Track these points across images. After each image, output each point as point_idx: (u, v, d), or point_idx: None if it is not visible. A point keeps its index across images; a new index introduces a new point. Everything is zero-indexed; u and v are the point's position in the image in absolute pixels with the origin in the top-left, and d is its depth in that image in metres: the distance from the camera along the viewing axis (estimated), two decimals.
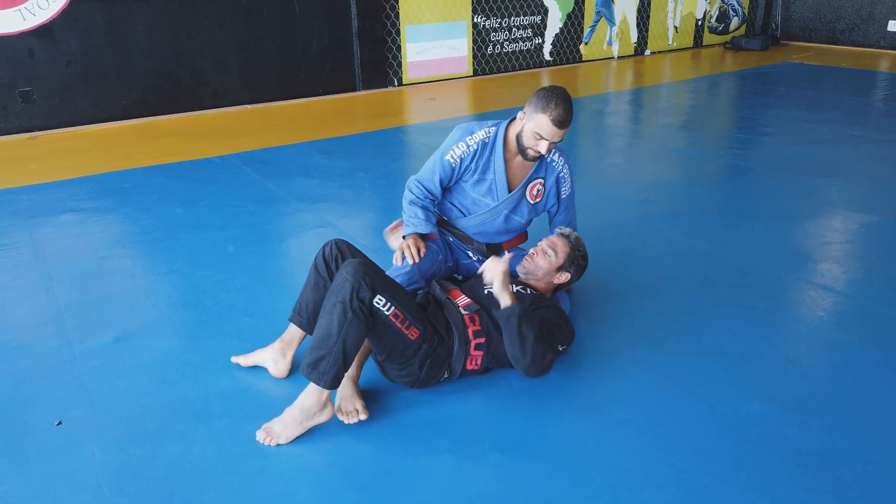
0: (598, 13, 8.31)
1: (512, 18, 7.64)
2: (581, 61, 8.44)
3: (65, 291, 2.89)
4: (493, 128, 2.48)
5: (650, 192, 4.01)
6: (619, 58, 8.76)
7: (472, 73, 7.57)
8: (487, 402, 2.14)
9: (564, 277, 2.39)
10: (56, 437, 1.99)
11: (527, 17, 7.75)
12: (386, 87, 7.04)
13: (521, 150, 2.42)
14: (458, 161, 2.46)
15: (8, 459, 1.90)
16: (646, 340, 2.48)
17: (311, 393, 1.93)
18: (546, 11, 7.88)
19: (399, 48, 6.99)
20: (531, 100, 2.34)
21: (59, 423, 2.05)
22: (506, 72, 7.84)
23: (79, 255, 3.26)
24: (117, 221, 3.67)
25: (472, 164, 2.47)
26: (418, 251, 2.44)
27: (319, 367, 1.89)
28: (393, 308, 1.95)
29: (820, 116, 5.82)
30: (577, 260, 2.41)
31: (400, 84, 7.10)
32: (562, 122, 2.28)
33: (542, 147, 2.33)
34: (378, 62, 6.89)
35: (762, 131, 5.42)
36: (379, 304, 1.93)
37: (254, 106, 6.31)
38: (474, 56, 7.52)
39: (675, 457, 1.88)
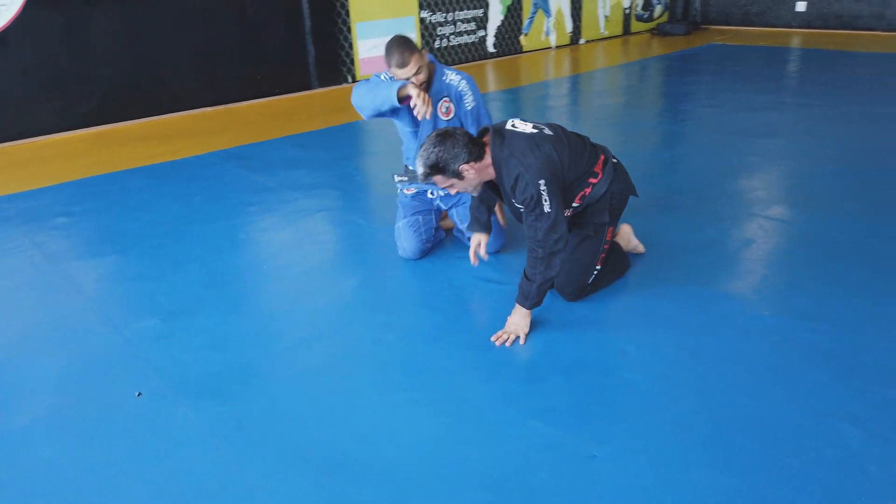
0: (535, 5, 8.67)
1: (456, 13, 7.89)
2: (522, 52, 8.79)
3: (90, 285, 2.92)
4: None
5: None
6: (557, 47, 9.17)
7: None
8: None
9: (467, 165, 2.28)
10: (143, 407, 2.08)
11: (470, 11, 8.02)
12: (340, 83, 7.16)
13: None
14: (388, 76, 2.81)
15: (107, 431, 1.98)
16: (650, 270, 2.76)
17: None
18: (487, 5, 8.17)
19: (351, 45, 7.12)
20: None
21: (140, 395, 2.13)
22: (453, 64, 8.09)
23: (89, 252, 3.28)
24: (116, 220, 3.69)
25: None
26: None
27: None
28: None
29: (747, 88, 6.32)
30: (441, 157, 2.25)
31: (354, 80, 7.23)
32: (402, 63, 2.65)
33: (404, 76, 2.67)
34: (331, 59, 7.01)
35: (698, 103, 5.86)
36: None
37: (214, 108, 6.31)
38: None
39: (708, 361, 2.16)
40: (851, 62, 7.33)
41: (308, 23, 6.70)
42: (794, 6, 9.54)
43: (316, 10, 6.71)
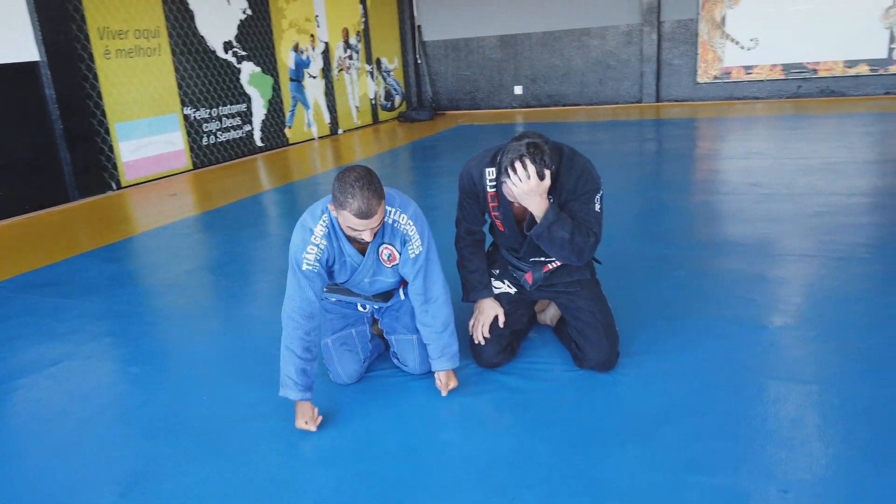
0: (293, 98, 8.58)
1: (220, 108, 7.42)
2: (289, 144, 8.57)
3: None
4: (324, 214, 2.15)
5: None
6: (320, 138, 9.13)
7: (192, 167, 7.10)
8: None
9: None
10: None
11: (233, 107, 7.61)
12: (104, 192, 6.16)
13: (351, 240, 2.15)
14: (317, 262, 2.14)
15: None
16: None
17: None
18: (249, 99, 7.85)
19: (111, 148, 6.21)
20: (333, 190, 2.00)
21: None
22: (224, 161, 7.54)
23: None
24: None
25: (330, 256, 2.18)
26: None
27: None
28: None
29: None
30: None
31: (118, 187, 6.28)
32: (366, 213, 1.95)
33: (366, 236, 2.04)
34: (90, 166, 6.01)
35: None
36: None
37: None
38: (191, 148, 7.08)
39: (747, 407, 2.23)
40: (586, 129, 8.57)
41: (59, 126, 5.69)
42: (512, 90, 10.93)
43: (67, 112, 5.74)
